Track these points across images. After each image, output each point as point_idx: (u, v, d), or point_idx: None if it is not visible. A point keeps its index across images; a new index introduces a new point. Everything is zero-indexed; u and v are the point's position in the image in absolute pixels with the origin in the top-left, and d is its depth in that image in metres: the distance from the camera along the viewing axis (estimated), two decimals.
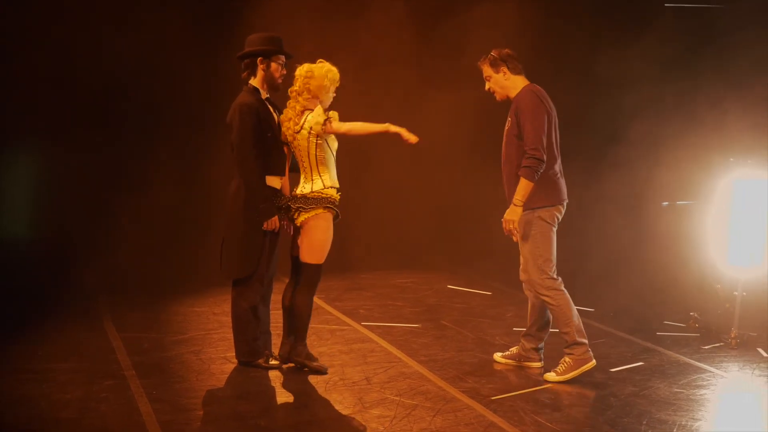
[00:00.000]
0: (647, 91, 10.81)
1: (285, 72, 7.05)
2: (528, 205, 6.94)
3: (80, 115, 10.49)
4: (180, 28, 10.35)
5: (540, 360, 7.26)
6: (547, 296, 6.98)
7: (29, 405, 6.22)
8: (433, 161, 11.92)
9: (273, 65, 6.96)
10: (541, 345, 7.28)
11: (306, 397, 6.49)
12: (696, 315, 8.48)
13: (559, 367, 6.98)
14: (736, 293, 8.20)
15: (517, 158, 6.95)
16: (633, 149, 10.35)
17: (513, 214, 6.91)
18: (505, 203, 7.03)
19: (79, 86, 10.44)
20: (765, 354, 7.75)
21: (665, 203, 10.34)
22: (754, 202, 8.18)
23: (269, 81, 7.00)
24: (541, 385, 6.84)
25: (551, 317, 7.18)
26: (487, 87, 7.14)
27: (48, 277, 9.73)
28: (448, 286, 10.19)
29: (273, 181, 6.98)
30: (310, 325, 7.12)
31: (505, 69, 7.02)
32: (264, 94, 7.01)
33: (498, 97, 7.15)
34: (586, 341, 7.01)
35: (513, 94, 7.05)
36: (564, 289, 7.01)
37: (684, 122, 10.38)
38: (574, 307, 7.01)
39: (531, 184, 6.84)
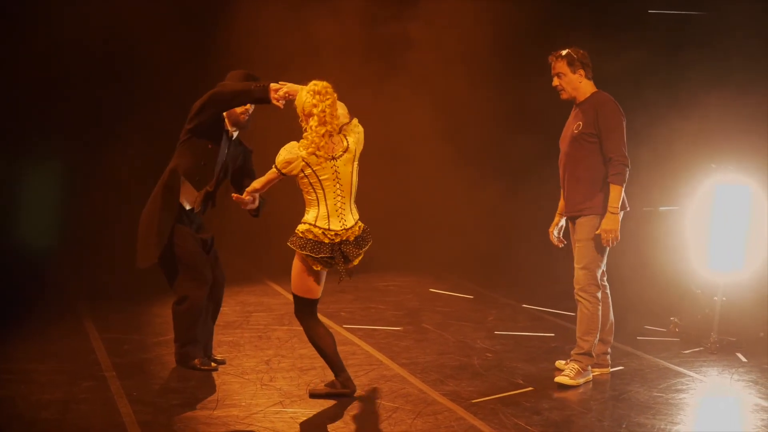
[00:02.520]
0: (629, 96, 10.83)
1: (251, 109, 6.99)
2: (596, 210, 6.98)
3: (61, 117, 10.49)
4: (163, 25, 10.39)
5: (609, 365, 7.33)
6: (586, 300, 7.04)
7: (9, 406, 6.19)
8: (412, 163, 11.94)
9: None
10: (609, 349, 7.33)
11: (287, 399, 6.48)
12: (676, 320, 8.51)
13: (570, 371, 7.00)
14: (716, 298, 8.24)
15: (587, 159, 6.99)
16: None
17: (614, 224, 6.89)
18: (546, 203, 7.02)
19: (65, 86, 10.44)
20: (744, 359, 7.79)
21: (647, 209, 10.36)
22: (735, 207, 8.23)
23: (231, 117, 6.97)
24: (521, 389, 6.86)
25: (613, 319, 7.27)
26: (555, 83, 7.12)
27: (28, 278, 9.69)
28: (430, 289, 10.20)
29: (187, 193, 6.99)
30: (293, 328, 7.09)
31: (582, 72, 7.05)
32: (228, 127, 6.99)
33: (564, 96, 7.15)
34: (594, 357, 7.11)
35: (581, 97, 7.09)
36: (600, 301, 7.08)
37: (666, 127, 10.42)
38: (600, 323, 7.08)
39: (622, 190, 6.90)
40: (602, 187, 6.98)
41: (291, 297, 6.73)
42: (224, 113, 6.92)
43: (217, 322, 8.30)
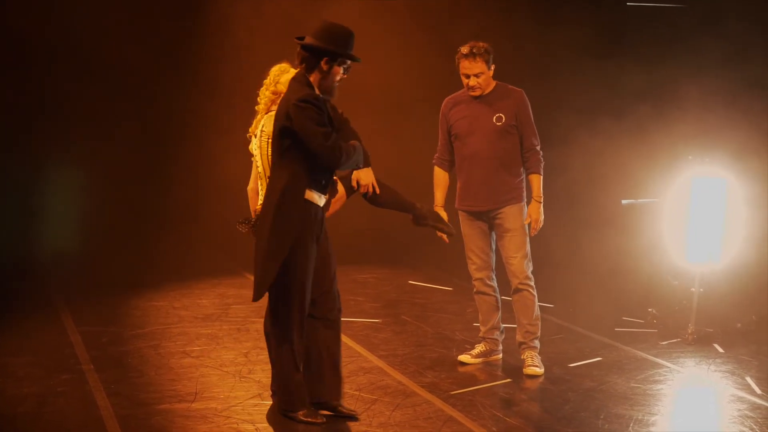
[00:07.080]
0: (607, 88, 10.87)
1: (346, 77, 5.94)
2: (520, 198, 7.08)
3: (45, 112, 10.47)
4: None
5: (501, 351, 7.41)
6: (530, 287, 7.10)
7: None
8: (393, 155, 11.92)
9: (336, 68, 5.80)
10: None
11: (265, 391, 6.47)
12: (654, 311, 8.55)
13: (535, 360, 7.03)
14: (693, 290, 8.27)
15: (511, 151, 7.03)
16: (592, 146, 10.40)
17: (541, 212, 7.08)
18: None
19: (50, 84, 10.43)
20: (721, 350, 7.83)
21: (625, 201, 10.40)
22: (712, 199, 8.27)
23: (325, 85, 5.82)
24: (500, 380, 6.88)
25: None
26: (474, 83, 6.92)
27: (3, 271, 9.64)
28: (409, 281, 10.20)
29: (314, 198, 5.86)
30: None
31: (493, 67, 6.99)
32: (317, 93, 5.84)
33: (477, 93, 6.97)
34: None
35: (488, 89, 7.02)
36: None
37: (644, 120, 10.45)
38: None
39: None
40: (521, 176, 7.08)
41: None
42: (316, 80, 5.78)
43: (195, 315, 8.32)
